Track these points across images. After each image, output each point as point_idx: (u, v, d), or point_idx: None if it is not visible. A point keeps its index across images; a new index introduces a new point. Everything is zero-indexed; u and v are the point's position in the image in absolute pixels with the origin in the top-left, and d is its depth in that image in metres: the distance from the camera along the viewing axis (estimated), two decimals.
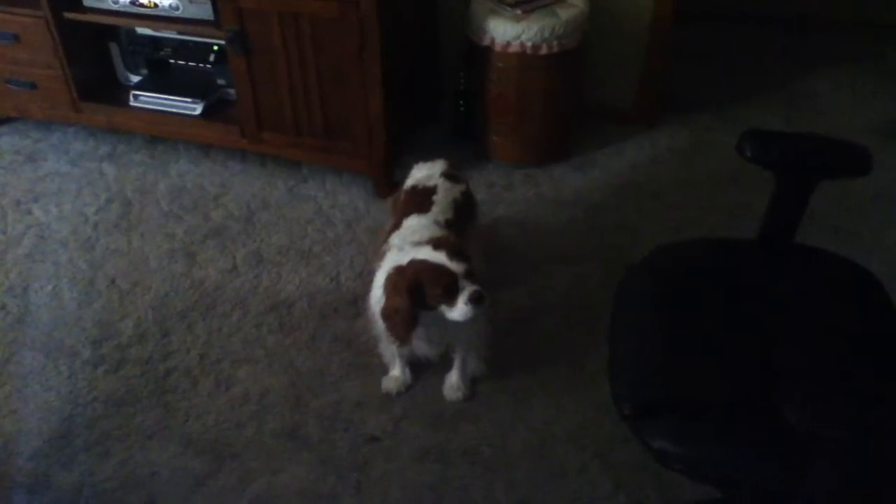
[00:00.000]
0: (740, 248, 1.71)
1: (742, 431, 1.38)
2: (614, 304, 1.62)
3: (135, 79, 2.85)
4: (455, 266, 1.61)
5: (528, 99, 2.60)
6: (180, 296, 2.28)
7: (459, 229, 1.90)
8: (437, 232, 1.79)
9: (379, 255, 1.83)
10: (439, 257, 1.62)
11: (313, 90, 2.45)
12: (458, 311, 1.62)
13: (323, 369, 2.05)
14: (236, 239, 2.48)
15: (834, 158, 1.60)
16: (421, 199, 1.93)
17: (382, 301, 1.70)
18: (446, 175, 2.02)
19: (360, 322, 2.14)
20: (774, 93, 3.19)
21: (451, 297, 1.62)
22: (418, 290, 1.63)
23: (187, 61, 2.79)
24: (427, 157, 2.15)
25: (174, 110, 2.71)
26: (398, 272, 1.66)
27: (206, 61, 2.73)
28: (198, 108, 2.69)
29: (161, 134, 2.83)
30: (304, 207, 2.61)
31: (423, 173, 2.04)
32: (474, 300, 1.61)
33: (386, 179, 2.61)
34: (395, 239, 1.80)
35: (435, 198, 1.93)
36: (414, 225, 1.84)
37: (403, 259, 1.67)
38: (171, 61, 2.81)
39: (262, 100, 2.53)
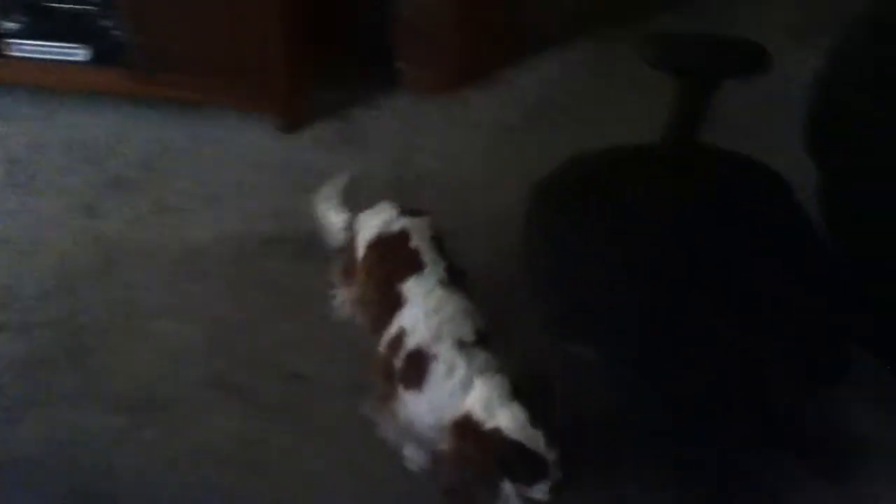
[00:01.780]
0: (646, 154, 1.72)
1: (660, 338, 1.43)
2: (525, 222, 1.63)
3: (11, 26, 2.62)
4: (549, 452, 1.30)
5: (440, 23, 2.52)
6: (84, 252, 2.16)
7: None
8: (457, 302, 1.50)
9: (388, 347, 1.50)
10: (529, 434, 1.29)
11: (206, 25, 2.31)
12: (531, 492, 1.34)
13: (243, 314, 2.00)
14: (138, 188, 2.36)
15: (731, 57, 1.62)
16: (396, 252, 1.59)
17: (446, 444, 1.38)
18: (409, 212, 1.67)
19: (277, 263, 2.09)
20: (687, 3, 3.20)
21: (533, 483, 1.33)
22: (499, 469, 1.33)
23: (69, 3, 2.57)
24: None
25: (58, 58, 2.51)
26: (478, 440, 1.31)
27: (90, 2, 2.53)
28: (84, 54, 2.50)
29: (47, 84, 2.62)
30: (207, 151, 2.50)
31: (377, 220, 1.66)
32: (555, 491, 1.33)
33: (292, 115, 2.51)
34: (416, 323, 1.47)
35: (414, 244, 1.59)
36: (421, 292, 1.51)
37: (476, 407, 1.33)
38: (52, 5, 2.59)
39: (152, 39, 2.37)
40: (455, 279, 1.55)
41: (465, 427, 1.32)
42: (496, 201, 2.27)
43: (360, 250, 1.65)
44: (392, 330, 1.49)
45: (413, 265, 1.55)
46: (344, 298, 1.80)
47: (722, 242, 1.50)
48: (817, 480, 1.73)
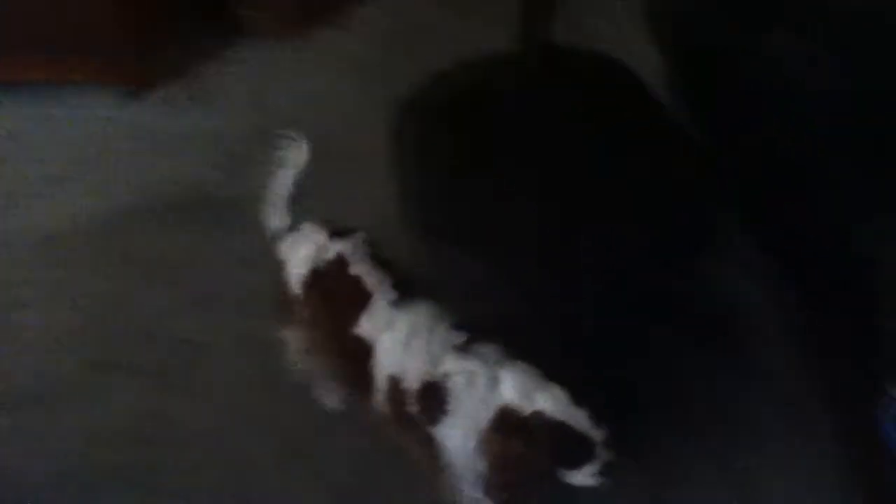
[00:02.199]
0: (504, 62, 1.73)
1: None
2: (393, 143, 1.60)
3: None
4: (595, 432, 1.22)
5: None
6: None
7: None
8: (424, 314, 1.35)
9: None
10: (573, 413, 1.21)
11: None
12: (576, 477, 1.26)
13: (112, 291, 1.91)
14: None
15: None
16: (338, 288, 1.40)
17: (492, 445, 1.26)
18: (338, 234, 1.46)
19: (141, 235, 2.01)
20: None
21: (580, 465, 1.26)
22: (546, 454, 1.24)
23: None
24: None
25: None
26: (520, 429, 1.22)
27: None
28: None
29: None
30: (52, 131, 2.33)
31: (306, 249, 1.43)
32: (604, 473, 1.25)
33: (136, 79, 2.37)
34: (403, 363, 1.31)
35: (354, 271, 1.40)
36: (383, 328, 1.34)
37: (512, 396, 1.23)
38: None
39: None
40: (405, 288, 1.40)
41: (504, 420, 1.22)
42: (366, 141, 2.21)
43: (296, 288, 1.44)
44: (381, 385, 1.33)
45: (360, 299, 1.36)
46: (296, 346, 1.56)
47: (587, 139, 1.53)
48: (699, 348, 1.82)
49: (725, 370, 1.79)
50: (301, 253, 1.43)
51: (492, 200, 1.51)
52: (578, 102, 1.55)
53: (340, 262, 1.40)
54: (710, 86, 1.68)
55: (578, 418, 1.20)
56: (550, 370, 1.24)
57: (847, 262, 1.51)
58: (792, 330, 1.81)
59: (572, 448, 1.21)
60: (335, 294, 1.40)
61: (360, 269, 1.39)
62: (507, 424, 1.21)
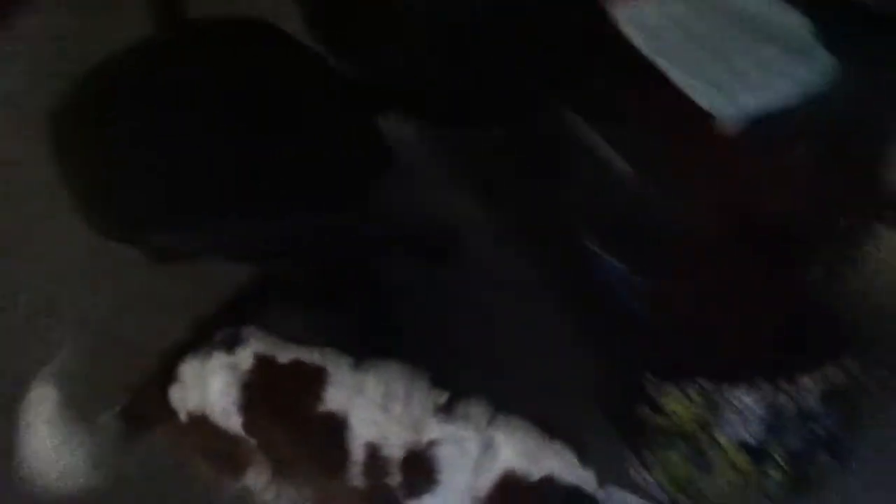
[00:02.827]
0: (147, 51, 1.53)
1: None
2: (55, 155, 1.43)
3: None
4: (603, 493, 1.12)
5: None
6: None
7: None
8: (390, 369, 1.24)
9: None
10: (582, 475, 1.11)
11: None
12: None
13: None
14: None
15: None
16: (278, 383, 1.26)
17: None
18: (232, 339, 1.29)
19: None
20: None
21: None
22: None
23: None
24: None
25: None
26: (530, 497, 1.11)
27: None
28: None
29: None
30: None
31: (216, 372, 1.26)
32: None
33: None
34: (382, 428, 1.18)
35: (285, 359, 1.26)
36: (351, 394, 1.21)
37: (516, 462, 1.12)
38: None
39: None
40: (350, 347, 1.27)
41: (511, 488, 1.09)
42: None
43: (234, 420, 1.23)
44: (357, 458, 1.18)
45: (312, 379, 1.21)
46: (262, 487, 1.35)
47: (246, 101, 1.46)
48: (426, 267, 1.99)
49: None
50: (217, 386, 1.23)
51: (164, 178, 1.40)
52: (231, 67, 1.47)
53: (265, 362, 1.23)
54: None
55: (588, 481, 1.08)
56: None
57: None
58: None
59: None
60: (280, 390, 1.23)
61: (293, 353, 1.24)
62: (514, 492, 1.09)
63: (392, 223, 1.99)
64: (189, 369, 1.26)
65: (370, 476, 1.18)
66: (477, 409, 1.17)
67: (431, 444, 1.14)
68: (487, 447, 1.11)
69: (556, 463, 1.08)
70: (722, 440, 1.65)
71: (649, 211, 1.68)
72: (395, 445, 1.15)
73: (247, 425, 1.23)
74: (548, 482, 1.07)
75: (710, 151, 1.46)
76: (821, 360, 1.65)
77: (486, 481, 1.10)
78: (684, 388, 1.65)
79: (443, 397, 1.18)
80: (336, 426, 1.17)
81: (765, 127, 1.43)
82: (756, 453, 1.65)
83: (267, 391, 1.23)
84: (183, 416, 1.26)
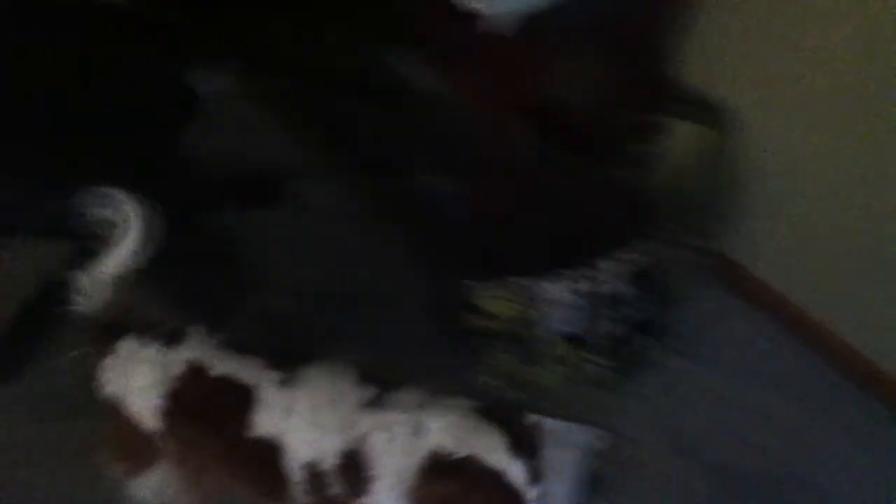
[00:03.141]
0: None
1: None
2: None
3: None
4: (531, 488, 1.08)
5: None
6: None
7: None
8: (317, 381, 1.19)
9: None
10: (508, 461, 1.07)
11: None
12: None
13: None
14: None
15: None
16: (208, 398, 1.19)
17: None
18: (171, 336, 1.23)
19: None
20: None
21: None
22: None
23: None
24: None
25: None
26: (460, 475, 1.07)
27: None
28: None
29: None
30: None
31: (149, 372, 1.20)
32: None
33: None
34: (318, 443, 1.15)
35: (217, 372, 1.19)
36: (282, 417, 1.16)
37: (444, 440, 1.09)
38: None
39: None
40: (283, 364, 1.21)
41: (436, 465, 1.07)
42: None
43: (150, 421, 1.19)
44: (297, 479, 1.15)
45: (240, 400, 1.15)
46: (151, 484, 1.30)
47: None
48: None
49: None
50: (141, 379, 1.18)
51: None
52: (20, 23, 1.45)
53: (196, 371, 1.17)
54: None
55: (516, 470, 1.06)
56: None
57: None
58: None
59: (506, 497, 1.07)
60: (209, 407, 1.17)
61: (224, 367, 1.18)
62: (440, 469, 1.07)
63: (214, 172, 1.98)
64: (125, 348, 1.21)
65: (312, 493, 1.17)
66: (407, 396, 1.16)
67: (362, 437, 1.13)
68: (417, 430, 1.11)
69: (482, 444, 1.08)
70: (543, 334, 1.74)
71: (457, 125, 1.74)
72: (331, 456, 1.14)
73: (167, 431, 1.20)
74: (473, 462, 1.06)
75: (489, 53, 1.52)
76: (625, 245, 1.76)
77: (416, 461, 1.09)
78: (502, 289, 1.72)
79: (370, 391, 1.17)
80: (270, 452, 1.15)
81: (538, 24, 1.49)
82: (576, 342, 1.75)
83: (193, 405, 1.18)
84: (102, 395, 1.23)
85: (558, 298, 1.72)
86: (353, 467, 1.12)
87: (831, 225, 1.73)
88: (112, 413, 1.22)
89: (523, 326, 1.74)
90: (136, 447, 1.25)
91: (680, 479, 1.68)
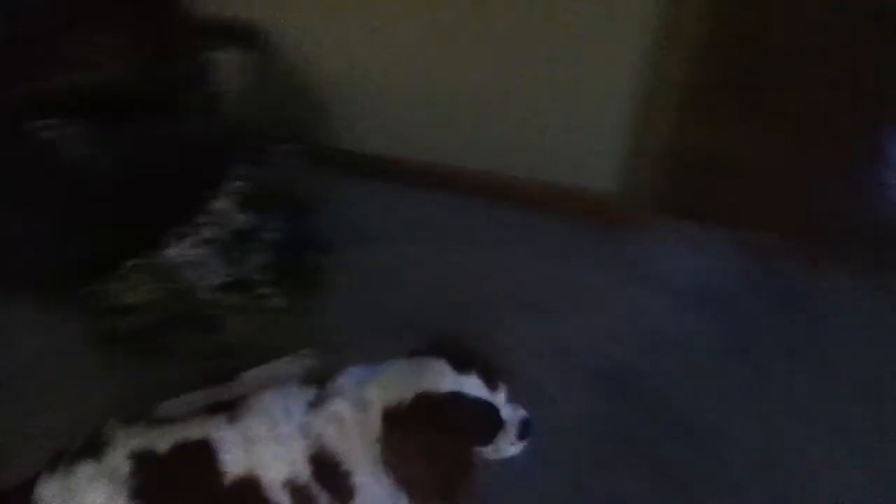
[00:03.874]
0: None
1: None
2: None
3: None
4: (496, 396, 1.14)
5: None
6: None
7: None
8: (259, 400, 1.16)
9: None
10: (471, 384, 1.12)
11: None
12: (503, 451, 1.20)
13: None
14: None
15: None
16: (173, 469, 1.10)
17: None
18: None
19: None
20: None
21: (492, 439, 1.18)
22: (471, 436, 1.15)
23: None
24: None
25: None
26: (430, 405, 1.10)
27: None
28: None
29: None
30: None
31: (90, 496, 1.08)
32: (524, 433, 1.19)
33: None
34: (272, 454, 1.12)
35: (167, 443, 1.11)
36: (233, 442, 1.12)
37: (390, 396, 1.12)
38: None
39: None
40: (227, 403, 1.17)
41: (393, 426, 1.10)
42: None
43: None
44: (284, 500, 1.11)
45: (202, 457, 1.10)
46: None
47: None
48: None
49: None
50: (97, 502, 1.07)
51: None
52: None
53: (144, 460, 1.09)
54: None
55: (471, 383, 1.11)
56: None
57: None
58: None
59: (492, 425, 1.15)
60: (182, 488, 1.11)
61: (168, 437, 1.11)
62: (400, 424, 1.10)
63: None
64: (48, 491, 1.09)
65: None
66: (343, 380, 1.17)
67: (319, 438, 1.13)
68: (362, 405, 1.13)
69: (427, 378, 1.12)
70: (204, 295, 1.73)
71: None
72: (303, 467, 1.12)
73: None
74: (426, 397, 1.10)
75: None
76: (223, 180, 1.77)
77: (374, 432, 1.11)
78: (128, 278, 1.66)
79: (311, 392, 1.17)
80: (251, 488, 1.11)
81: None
82: (240, 286, 1.76)
83: (162, 490, 1.10)
84: None
85: (191, 258, 1.69)
86: (327, 469, 1.13)
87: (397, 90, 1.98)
88: None
89: (179, 301, 1.70)
90: None
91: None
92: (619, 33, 1.92)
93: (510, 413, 1.17)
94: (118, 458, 1.11)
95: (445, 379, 1.12)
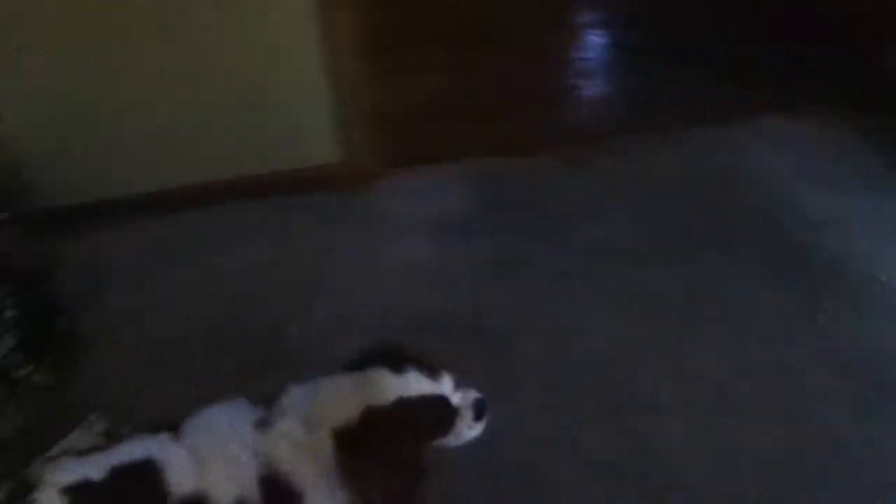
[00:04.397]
0: None
1: None
2: None
3: None
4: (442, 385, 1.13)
5: None
6: None
7: None
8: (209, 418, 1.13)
9: None
10: (413, 381, 1.10)
11: None
12: (463, 436, 1.19)
13: None
14: None
15: None
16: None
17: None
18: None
19: None
20: None
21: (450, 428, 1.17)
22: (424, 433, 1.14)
23: None
24: None
25: None
26: (379, 418, 1.07)
27: None
28: None
29: None
30: None
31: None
32: (480, 413, 1.19)
33: None
34: (218, 473, 1.07)
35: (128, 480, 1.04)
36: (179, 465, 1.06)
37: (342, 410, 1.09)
38: None
39: None
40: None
41: (343, 441, 1.08)
42: None
43: None
44: None
45: (145, 478, 1.05)
46: None
47: None
48: None
49: None
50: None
51: None
52: None
53: (81, 493, 1.03)
54: None
55: (413, 379, 1.11)
56: None
57: None
58: None
59: (429, 418, 1.13)
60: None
61: (100, 464, 1.06)
62: (350, 439, 1.08)
63: None
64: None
65: None
66: (287, 401, 1.13)
67: (267, 459, 1.09)
68: (309, 426, 1.10)
69: (372, 388, 1.09)
70: None
71: None
72: (253, 487, 1.08)
73: None
74: (373, 408, 1.08)
75: None
76: None
77: (325, 451, 1.08)
78: None
79: (258, 412, 1.13)
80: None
81: None
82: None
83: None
84: None
85: None
86: (277, 490, 1.09)
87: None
88: None
89: None
90: None
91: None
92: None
93: (461, 398, 1.16)
94: (50, 497, 1.05)
95: (388, 386, 1.10)
